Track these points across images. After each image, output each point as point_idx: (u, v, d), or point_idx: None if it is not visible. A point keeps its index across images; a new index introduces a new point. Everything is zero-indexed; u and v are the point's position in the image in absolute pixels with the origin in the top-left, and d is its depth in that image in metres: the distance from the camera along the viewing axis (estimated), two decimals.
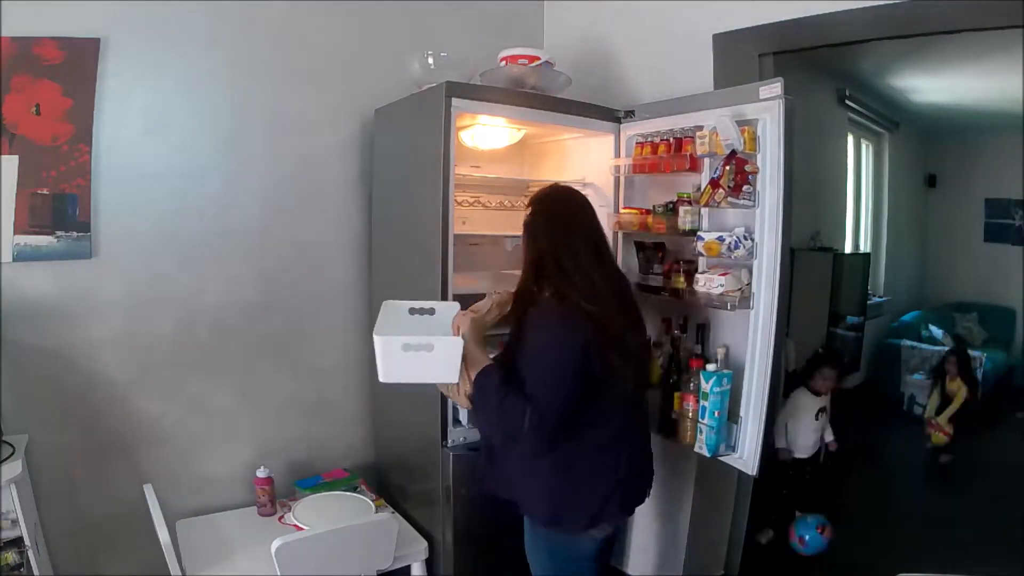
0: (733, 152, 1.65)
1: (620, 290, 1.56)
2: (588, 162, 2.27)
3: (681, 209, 1.83)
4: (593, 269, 1.45)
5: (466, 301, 1.95)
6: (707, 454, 1.73)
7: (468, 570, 1.95)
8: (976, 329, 5.77)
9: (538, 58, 2.06)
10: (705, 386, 1.70)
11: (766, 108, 1.64)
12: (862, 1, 1.77)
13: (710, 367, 1.70)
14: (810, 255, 4.23)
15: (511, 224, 2.50)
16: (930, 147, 6.35)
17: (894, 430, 4.68)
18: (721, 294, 1.69)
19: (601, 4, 2.51)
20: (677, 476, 2.30)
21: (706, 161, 1.79)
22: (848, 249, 5.19)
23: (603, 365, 1.42)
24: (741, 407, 1.73)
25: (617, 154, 2.15)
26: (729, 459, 1.76)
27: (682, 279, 1.84)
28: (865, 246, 5.49)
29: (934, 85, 4.67)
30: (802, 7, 1.89)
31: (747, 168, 1.65)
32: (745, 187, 1.65)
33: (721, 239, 1.70)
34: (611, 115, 2.12)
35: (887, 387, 5.20)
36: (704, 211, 1.81)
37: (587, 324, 1.39)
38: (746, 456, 1.73)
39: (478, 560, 1.96)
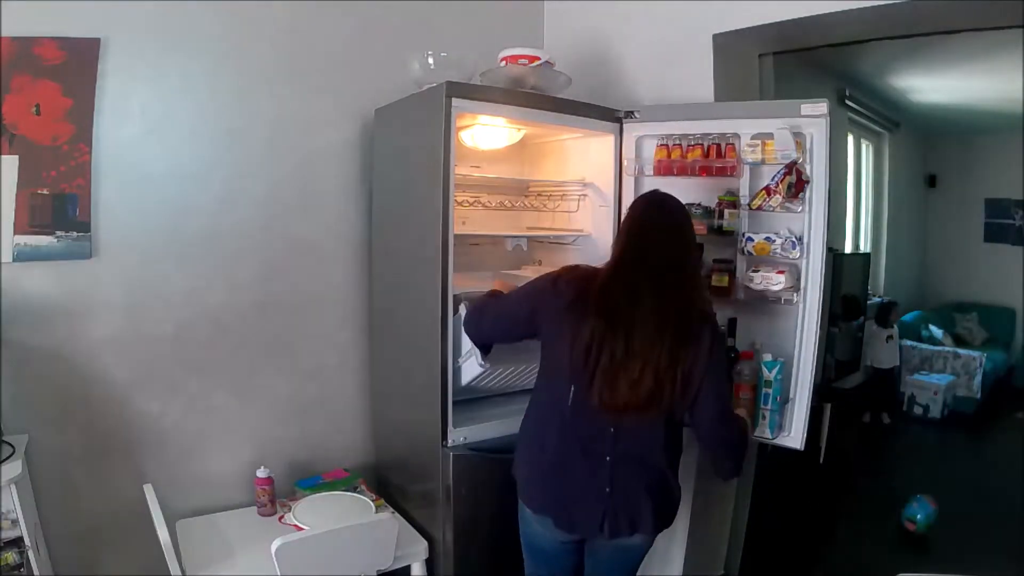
0: (793, 162, 1.80)
1: (663, 316, 1.39)
2: (588, 162, 2.26)
3: (727, 212, 1.94)
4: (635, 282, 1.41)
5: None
6: (770, 436, 1.87)
7: (468, 570, 1.95)
8: (976, 329, 5.78)
9: (538, 58, 2.06)
10: (768, 374, 1.84)
11: (812, 123, 1.80)
12: (862, 1, 1.77)
13: (767, 357, 1.84)
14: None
15: (511, 224, 2.50)
16: (930, 147, 6.36)
17: (894, 430, 4.68)
18: (779, 290, 1.85)
19: (601, 4, 2.51)
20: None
21: (746, 168, 1.92)
22: (848, 249, 5.19)
23: (554, 339, 1.48)
24: (791, 391, 1.89)
25: (619, 154, 2.15)
26: (780, 439, 1.90)
27: (725, 278, 1.94)
28: (865, 246, 5.50)
29: (934, 85, 4.68)
30: (802, 7, 1.89)
31: (803, 177, 1.80)
32: (801, 194, 1.81)
33: (770, 240, 1.86)
34: (611, 115, 2.12)
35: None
36: (745, 214, 1.94)
37: (566, 293, 1.46)
38: (794, 433, 1.89)
39: (478, 560, 1.96)
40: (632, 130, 2.12)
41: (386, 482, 2.31)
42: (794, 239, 1.83)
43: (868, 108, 5.05)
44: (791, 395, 1.88)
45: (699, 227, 1.97)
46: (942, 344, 5.40)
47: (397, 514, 2.03)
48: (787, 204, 1.82)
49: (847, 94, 4.68)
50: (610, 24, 2.48)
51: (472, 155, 2.26)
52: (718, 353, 1.47)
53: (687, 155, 2.00)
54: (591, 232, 2.26)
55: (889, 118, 5.47)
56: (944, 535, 2.93)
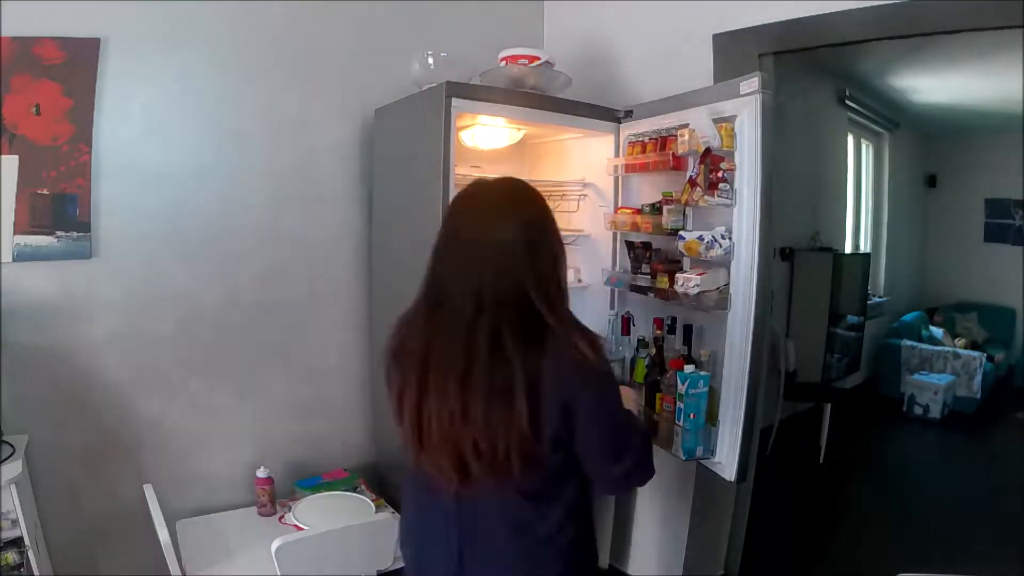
0: (708, 150, 1.63)
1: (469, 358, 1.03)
2: (588, 162, 2.27)
3: (665, 208, 1.83)
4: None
5: None
6: (682, 457, 1.67)
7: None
8: (976, 329, 5.77)
9: (538, 58, 2.06)
10: (681, 387, 1.62)
11: (744, 104, 1.60)
12: (862, 1, 1.77)
13: (688, 368, 1.64)
14: (810, 255, 4.23)
15: None
16: (930, 147, 6.35)
17: (894, 430, 4.68)
18: (698, 294, 1.65)
19: (601, 4, 2.51)
20: (677, 476, 2.30)
21: (691, 160, 1.78)
22: (848, 249, 5.19)
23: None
24: (719, 410, 1.68)
25: (617, 154, 2.15)
26: (708, 463, 1.71)
27: (666, 279, 1.82)
28: (865, 246, 5.49)
29: (934, 85, 4.67)
30: (802, 7, 1.89)
31: (723, 165, 1.62)
32: (721, 185, 1.62)
33: (701, 238, 1.67)
34: (611, 115, 2.12)
35: (887, 387, 5.21)
36: (688, 210, 1.79)
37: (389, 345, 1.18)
38: (724, 461, 1.66)
39: None
40: (625, 129, 2.13)
41: (386, 482, 2.31)
42: (714, 237, 1.62)
43: (868, 108, 5.04)
44: (719, 416, 1.65)
45: (646, 225, 1.91)
46: (942, 344, 5.40)
47: (397, 514, 2.02)
48: (707, 197, 1.62)
49: (847, 94, 4.67)
50: (610, 24, 2.48)
51: (472, 155, 2.26)
52: (581, 370, 1.03)
53: (645, 151, 1.96)
54: (591, 232, 2.26)
55: (889, 118, 5.47)
56: (944, 535, 2.93)
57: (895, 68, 4.30)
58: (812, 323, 4.15)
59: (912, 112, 5.44)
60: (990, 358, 5.14)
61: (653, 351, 1.88)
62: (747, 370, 1.61)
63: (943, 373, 5.04)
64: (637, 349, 2.01)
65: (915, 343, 5.32)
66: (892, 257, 5.83)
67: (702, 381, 1.63)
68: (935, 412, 4.80)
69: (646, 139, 1.99)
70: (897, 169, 5.78)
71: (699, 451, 1.67)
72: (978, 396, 4.97)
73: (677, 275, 1.75)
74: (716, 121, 1.64)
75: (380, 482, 2.33)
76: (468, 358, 1.03)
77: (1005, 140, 5.23)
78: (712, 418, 1.70)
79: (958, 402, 4.91)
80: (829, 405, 3.80)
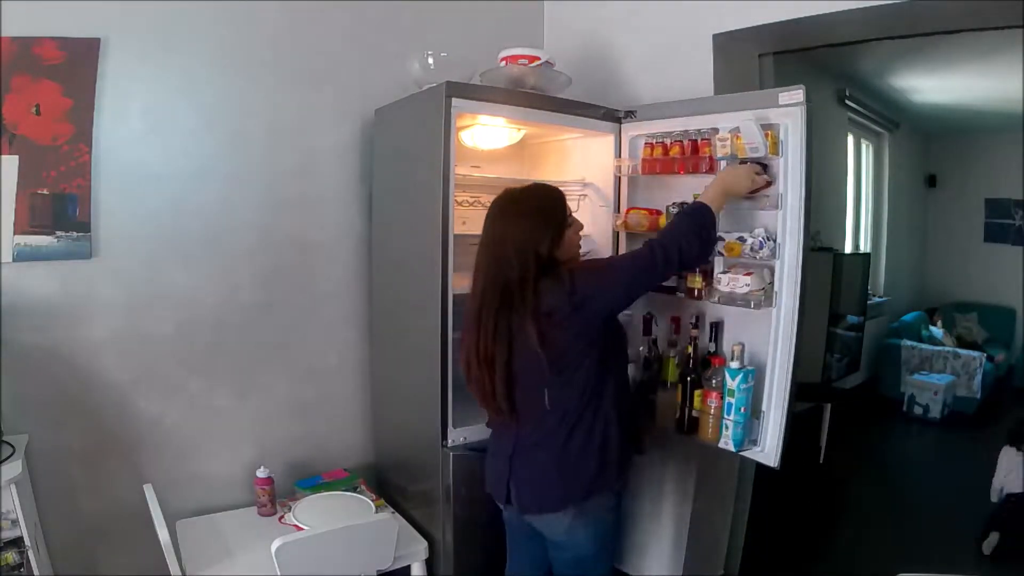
0: (744, 160, 1.71)
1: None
2: (588, 162, 2.26)
3: None
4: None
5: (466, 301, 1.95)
6: (733, 449, 1.76)
7: (468, 570, 1.95)
8: (976, 329, 5.77)
9: (538, 58, 2.06)
10: (731, 383, 1.72)
11: (787, 113, 1.67)
12: (862, 1, 1.77)
13: (733, 364, 1.73)
14: (810, 255, 4.22)
15: None
16: (930, 147, 6.36)
17: (894, 430, 4.68)
18: (746, 293, 1.73)
19: (601, 4, 2.51)
20: (677, 476, 2.31)
21: (722, 163, 1.82)
22: (848, 249, 5.19)
23: None
24: (763, 402, 1.76)
25: (618, 154, 2.15)
26: (751, 453, 1.79)
27: (699, 279, 1.86)
28: (865, 246, 5.49)
29: (934, 85, 4.67)
30: (802, 7, 1.89)
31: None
32: (763, 190, 1.71)
33: (742, 240, 1.74)
34: (611, 115, 2.12)
35: (887, 387, 5.21)
36: (721, 213, 1.82)
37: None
38: (767, 449, 1.76)
39: (478, 560, 1.96)
40: (628, 130, 2.12)
41: (386, 482, 2.31)
42: (763, 239, 1.71)
43: (868, 108, 5.04)
44: (763, 407, 1.76)
45: None
46: (942, 344, 5.40)
47: (397, 514, 2.03)
48: (747, 201, 1.74)
49: (847, 94, 4.67)
50: (610, 24, 2.48)
51: (472, 155, 2.26)
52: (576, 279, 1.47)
53: (668, 152, 1.97)
54: (591, 232, 2.25)
55: (889, 118, 5.47)
56: (944, 535, 2.93)
57: (895, 68, 4.30)
58: (812, 323, 4.13)
59: (912, 112, 5.44)
60: (990, 358, 5.14)
61: (689, 350, 1.90)
62: (791, 363, 1.71)
63: (943, 373, 5.05)
64: (658, 349, 2.01)
65: (915, 343, 5.32)
66: (892, 257, 5.84)
67: (750, 376, 1.72)
68: (935, 412, 4.80)
69: (668, 140, 1.98)
70: (897, 169, 5.78)
71: (745, 443, 1.77)
72: (978, 396, 4.97)
73: (719, 275, 1.80)
74: (763, 127, 1.70)
75: (380, 482, 2.33)
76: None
77: (1005, 140, 5.24)
78: (755, 411, 1.77)
79: (958, 402, 4.91)
80: (829, 405, 3.80)
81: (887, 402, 5.06)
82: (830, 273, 4.19)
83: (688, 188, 1.92)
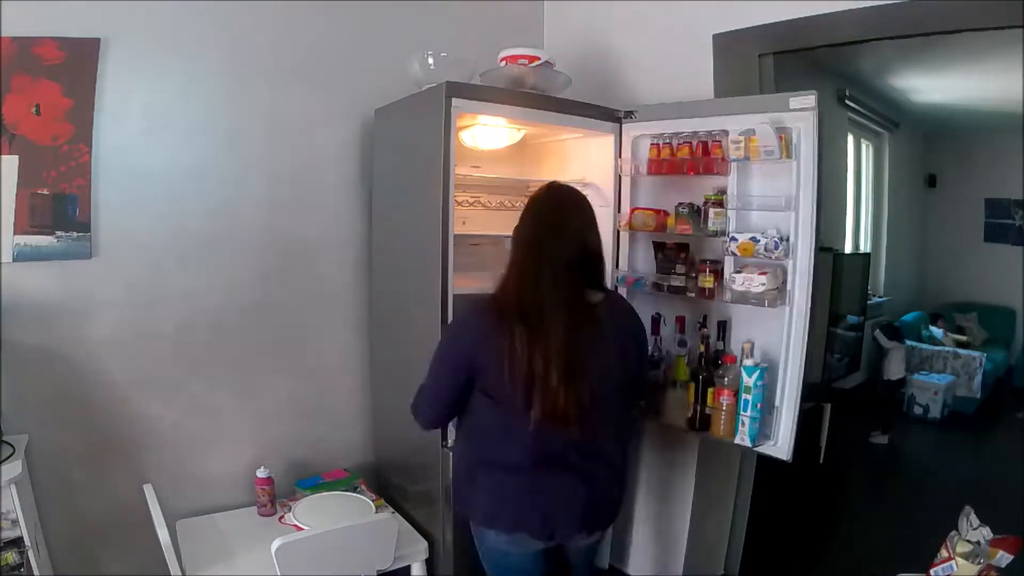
0: None
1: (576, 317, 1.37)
2: (588, 162, 2.26)
3: (712, 211, 1.89)
4: (548, 287, 1.35)
5: (466, 301, 1.95)
6: (749, 444, 1.80)
7: (468, 570, 1.94)
8: (976, 329, 5.77)
9: (538, 58, 2.06)
10: (748, 380, 1.77)
11: (799, 118, 1.72)
12: (862, 1, 1.77)
13: (748, 362, 1.78)
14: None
15: (511, 224, 2.48)
16: (930, 147, 6.35)
17: (894, 430, 4.68)
18: (761, 292, 1.77)
19: (601, 4, 2.51)
20: (677, 476, 2.30)
21: (734, 165, 1.86)
22: (848, 249, 5.19)
23: (492, 378, 1.37)
24: (777, 398, 1.82)
25: (618, 154, 2.15)
26: (765, 448, 1.84)
27: (711, 279, 1.89)
28: (865, 246, 5.49)
29: (934, 85, 4.68)
30: (802, 7, 1.89)
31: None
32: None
33: (755, 240, 1.78)
34: (611, 115, 2.12)
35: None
36: (732, 213, 1.88)
37: (487, 329, 1.37)
38: (781, 443, 1.82)
39: (478, 560, 1.96)
40: (629, 130, 2.13)
41: (386, 482, 2.31)
42: (777, 239, 1.75)
43: (868, 108, 5.04)
44: (776, 402, 1.81)
45: (683, 227, 1.94)
46: (942, 344, 5.40)
47: (397, 514, 2.03)
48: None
49: (847, 94, 4.67)
50: (610, 24, 2.48)
51: (472, 155, 2.26)
52: (634, 319, 1.55)
53: (676, 153, 1.97)
54: None
55: (889, 118, 5.47)
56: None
57: (895, 68, 4.30)
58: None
59: (912, 112, 5.44)
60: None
61: (701, 348, 1.93)
62: (803, 360, 1.77)
63: (943, 373, 5.05)
64: (663, 349, 2.04)
65: (915, 343, 5.32)
66: (892, 257, 5.84)
67: (764, 373, 1.77)
68: (935, 412, 4.80)
69: (676, 141, 1.98)
70: (897, 169, 5.78)
71: (759, 438, 1.82)
72: (978, 396, 4.97)
73: (733, 275, 1.83)
74: (777, 131, 1.73)
75: (380, 482, 2.34)
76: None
77: (1005, 140, 5.24)
78: (769, 407, 1.82)
79: (958, 402, 4.91)
80: (829, 405, 3.79)
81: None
82: (830, 273, 4.20)
83: (699, 189, 1.96)
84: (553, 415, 1.33)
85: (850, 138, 5.12)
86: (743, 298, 1.80)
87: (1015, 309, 5.83)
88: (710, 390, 1.89)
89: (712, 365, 1.91)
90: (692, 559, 2.29)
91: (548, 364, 1.31)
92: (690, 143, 1.94)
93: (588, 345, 1.37)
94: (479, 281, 2.19)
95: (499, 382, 1.36)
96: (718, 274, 1.89)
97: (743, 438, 1.81)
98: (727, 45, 2.11)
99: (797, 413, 1.78)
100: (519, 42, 2.14)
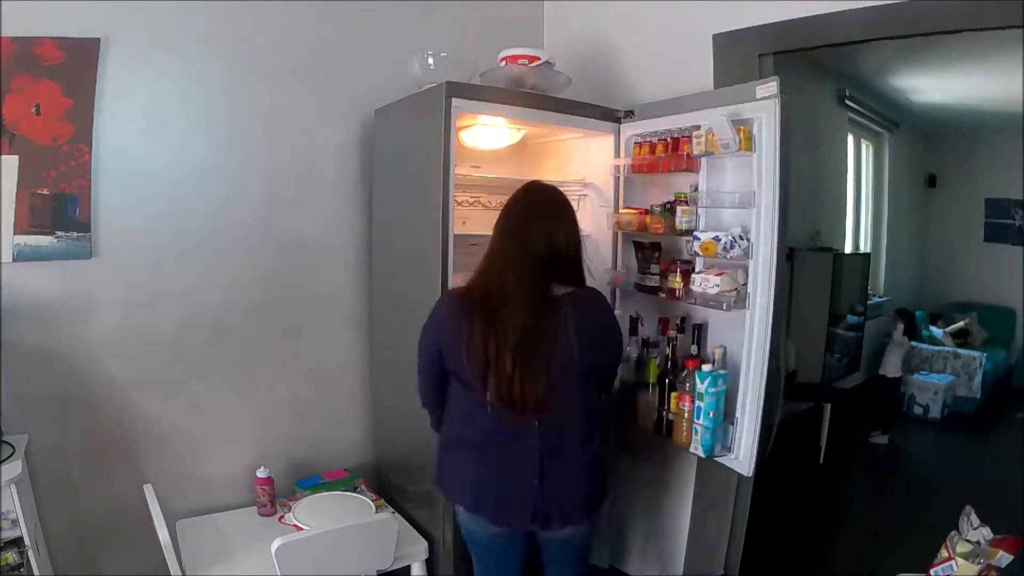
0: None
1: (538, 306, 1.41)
2: (588, 162, 2.26)
3: (679, 209, 1.84)
4: (510, 275, 1.41)
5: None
6: (702, 454, 1.72)
7: (468, 570, 1.94)
8: (976, 329, 5.77)
9: (538, 58, 2.06)
10: (700, 386, 1.68)
11: (762, 107, 1.63)
12: (862, 1, 1.77)
13: (706, 367, 1.69)
14: (810, 255, 4.24)
15: None
16: (930, 147, 6.35)
17: (894, 430, 4.68)
18: (716, 294, 1.68)
19: (601, 4, 2.51)
20: (676, 476, 2.30)
21: (704, 161, 1.80)
22: (848, 249, 5.19)
23: (455, 361, 1.47)
24: (737, 407, 1.72)
25: (617, 154, 2.15)
26: (725, 460, 1.74)
27: (679, 279, 1.83)
28: (865, 246, 5.49)
29: (934, 85, 4.67)
30: (802, 7, 1.89)
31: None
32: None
33: (717, 239, 1.68)
34: (611, 115, 2.12)
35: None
36: (701, 211, 1.81)
37: (450, 315, 1.47)
38: (741, 456, 1.71)
39: None
40: (626, 130, 2.13)
41: (386, 482, 2.31)
42: (733, 238, 1.65)
43: (868, 108, 5.04)
44: (737, 413, 1.70)
45: (656, 226, 1.91)
46: (942, 344, 5.40)
47: (397, 514, 2.03)
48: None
49: (847, 94, 4.68)
50: (610, 24, 2.48)
51: (472, 155, 2.26)
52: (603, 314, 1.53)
53: (655, 152, 1.96)
54: (591, 232, 2.26)
55: (889, 118, 5.47)
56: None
57: (895, 68, 4.30)
58: (812, 323, 4.15)
59: (912, 112, 5.44)
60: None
61: (668, 351, 1.88)
62: (765, 367, 1.65)
63: (943, 373, 5.05)
64: (646, 349, 2.00)
65: (915, 343, 5.32)
66: (892, 257, 5.84)
67: (721, 380, 1.67)
68: (935, 412, 4.80)
69: (655, 139, 1.98)
70: (897, 169, 5.78)
71: (717, 448, 1.72)
72: (978, 396, 4.97)
73: (693, 275, 1.77)
74: (735, 123, 1.65)
75: (380, 482, 2.33)
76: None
77: (1005, 140, 5.24)
78: (729, 415, 1.73)
79: (958, 402, 4.91)
80: (829, 405, 3.80)
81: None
82: (830, 273, 4.20)
83: (671, 187, 1.92)
84: (510, 401, 1.39)
85: (850, 138, 5.12)
86: (704, 300, 1.73)
87: (1015, 309, 5.83)
88: (673, 395, 1.83)
89: (678, 369, 1.85)
90: (692, 559, 2.29)
91: (501, 350, 1.37)
92: (664, 140, 1.93)
93: (546, 334, 1.39)
94: None
95: (460, 367, 1.45)
96: (687, 275, 1.82)
97: (696, 447, 1.72)
98: (727, 45, 2.11)
99: (758, 425, 1.66)
100: (519, 42, 2.14)
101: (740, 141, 1.64)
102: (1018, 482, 3.40)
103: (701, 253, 1.73)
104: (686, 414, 1.76)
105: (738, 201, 1.69)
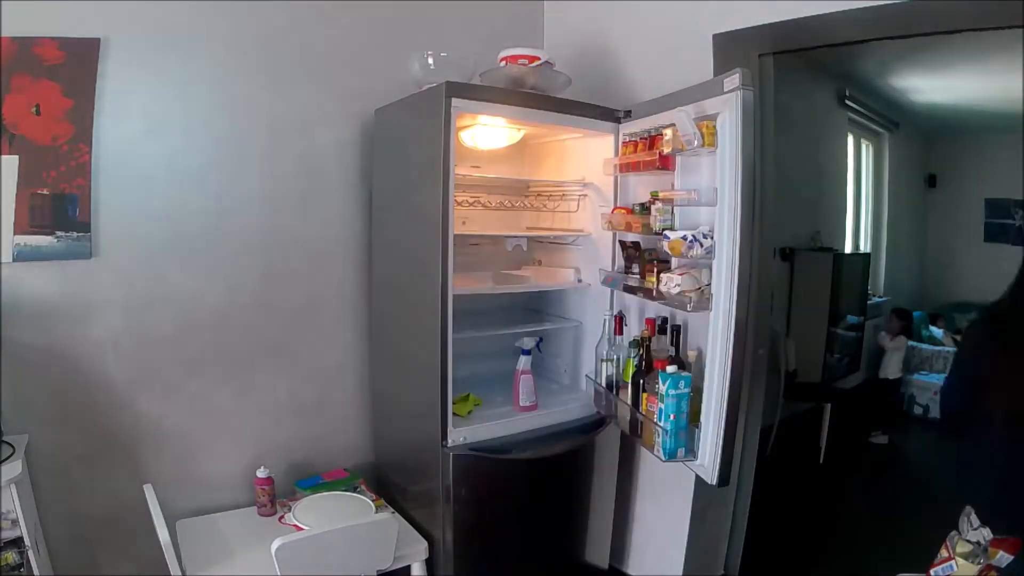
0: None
1: None
2: (588, 162, 2.26)
3: (653, 208, 1.81)
4: None
5: (466, 301, 1.96)
6: (663, 458, 1.67)
7: (468, 570, 1.95)
8: None
9: (538, 58, 2.06)
10: (661, 387, 1.64)
11: (725, 102, 1.58)
12: (862, 1, 1.77)
13: (670, 369, 1.64)
14: (810, 255, 4.24)
15: (511, 224, 2.50)
16: (930, 147, 6.35)
17: (894, 430, 4.68)
18: (678, 294, 1.65)
19: (601, 4, 2.51)
20: (677, 477, 2.30)
21: (678, 159, 1.79)
22: (848, 249, 5.19)
23: None
24: (702, 411, 1.67)
25: (616, 154, 2.15)
26: (691, 465, 1.70)
27: (654, 279, 1.81)
28: (865, 246, 5.49)
29: (934, 85, 4.67)
30: (802, 7, 1.89)
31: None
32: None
33: (684, 238, 1.64)
34: (611, 115, 2.12)
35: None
36: (677, 209, 1.77)
37: None
38: (706, 463, 1.65)
39: (478, 560, 1.96)
40: (623, 130, 2.13)
41: (386, 482, 2.31)
42: (695, 236, 1.60)
43: (868, 108, 5.04)
44: (702, 417, 1.65)
45: (635, 225, 1.90)
46: (942, 344, 5.40)
47: (397, 514, 2.03)
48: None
49: (847, 94, 4.67)
50: (610, 24, 2.48)
51: (472, 155, 2.26)
52: None
53: (637, 151, 1.96)
54: (591, 232, 2.26)
55: (889, 118, 5.47)
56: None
57: (895, 68, 4.30)
58: (812, 323, 4.15)
59: (912, 112, 5.43)
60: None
61: (642, 351, 1.87)
62: (728, 372, 1.60)
63: (943, 373, 5.04)
64: (629, 349, 2.00)
65: (915, 343, 5.32)
66: (892, 257, 5.83)
67: (683, 382, 1.63)
68: (935, 412, 4.79)
69: (638, 139, 1.99)
70: (897, 169, 5.78)
71: (680, 452, 1.67)
72: None
73: (662, 275, 1.75)
74: (698, 119, 1.62)
75: (380, 482, 2.33)
76: None
77: (1005, 140, 5.22)
78: (695, 419, 1.69)
79: None
80: (829, 405, 3.80)
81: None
82: (830, 273, 4.20)
83: (660, 186, 1.88)
84: None
85: (850, 138, 5.11)
86: (670, 300, 1.68)
87: None
88: (643, 395, 1.80)
89: (649, 370, 1.83)
90: (692, 559, 2.29)
91: None
92: (644, 139, 1.93)
93: None
94: (479, 281, 2.20)
95: None
96: (660, 274, 1.79)
97: (658, 451, 1.67)
98: (727, 45, 2.11)
99: (721, 430, 1.60)
100: (519, 42, 2.14)
101: (703, 137, 1.60)
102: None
103: (670, 252, 1.69)
104: (651, 415, 1.73)
105: (702, 199, 1.66)
